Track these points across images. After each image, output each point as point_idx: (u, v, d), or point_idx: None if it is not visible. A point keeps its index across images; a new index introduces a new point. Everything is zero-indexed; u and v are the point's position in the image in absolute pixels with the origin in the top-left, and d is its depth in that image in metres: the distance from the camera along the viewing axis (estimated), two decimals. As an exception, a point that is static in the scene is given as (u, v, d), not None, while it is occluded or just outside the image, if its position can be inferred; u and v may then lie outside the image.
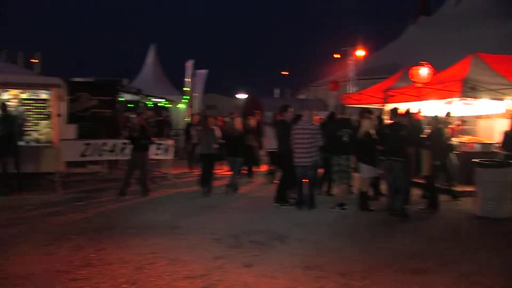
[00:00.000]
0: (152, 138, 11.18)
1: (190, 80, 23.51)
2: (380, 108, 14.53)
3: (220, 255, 6.39)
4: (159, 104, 24.07)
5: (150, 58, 29.14)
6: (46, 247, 6.73)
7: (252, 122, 13.55)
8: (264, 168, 14.23)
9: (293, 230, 7.91)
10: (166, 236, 7.37)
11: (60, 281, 5.37)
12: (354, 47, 23.52)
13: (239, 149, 11.37)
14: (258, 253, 6.54)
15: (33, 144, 11.92)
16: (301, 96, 39.87)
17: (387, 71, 19.13)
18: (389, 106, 12.75)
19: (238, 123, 11.60)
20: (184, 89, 24.37)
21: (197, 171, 14.08)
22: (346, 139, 9.34)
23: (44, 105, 12.40)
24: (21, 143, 11.35)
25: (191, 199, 10.67)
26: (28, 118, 12.21)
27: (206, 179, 11.13)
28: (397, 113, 9.47)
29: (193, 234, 7.49)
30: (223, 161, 12.23)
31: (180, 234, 7.50)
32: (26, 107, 12.30)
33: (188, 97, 23.66)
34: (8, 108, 11.25)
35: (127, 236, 7.34)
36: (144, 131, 10.76)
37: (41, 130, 12.29)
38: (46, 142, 11.98)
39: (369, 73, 23.64)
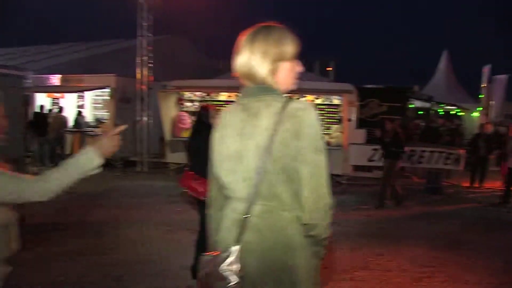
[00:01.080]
0: (403, 148, 10.30)
1: (486, 86, 21.62)
2: None
3: (505, 281, 5.67)
4: (451, 112, 22.90)
5: (443, 64, 27.96)
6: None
7: None
8: None
9: None
10: (448, 251, 6.88)
11: (337, 279, 5.44)
12: None
13: None
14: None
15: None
16: None
17: None
18: None
19: None
20: (480, 96, 22.56)
21: (487, 186, 12.87)
22: None
23: (336, 110, 13.07)
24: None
25: (480, 214, 9.81)
26: (321, 122, 12.96)
27: None
28: None
29: (478, 253, 6.80)
30: None
31: (464, 251, 6.90)
32: (319, 112, 13.10)
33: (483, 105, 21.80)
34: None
35: (406, 245, 7.09)
36: (397, 138, 10.11)
37: (332, 133, 12.95)
38: (336, 145, 12.56)
39: None
